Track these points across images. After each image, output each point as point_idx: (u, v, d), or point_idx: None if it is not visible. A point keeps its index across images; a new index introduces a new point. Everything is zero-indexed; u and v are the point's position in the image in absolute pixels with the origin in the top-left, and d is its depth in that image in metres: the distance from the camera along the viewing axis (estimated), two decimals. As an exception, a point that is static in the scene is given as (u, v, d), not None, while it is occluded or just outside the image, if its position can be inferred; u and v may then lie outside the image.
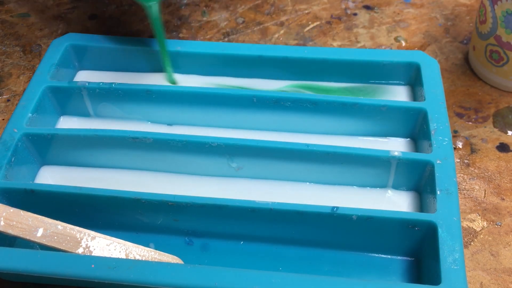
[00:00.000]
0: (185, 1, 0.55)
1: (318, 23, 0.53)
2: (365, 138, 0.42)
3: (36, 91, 0.42)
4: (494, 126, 0.44)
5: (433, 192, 0.36)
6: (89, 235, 0.34)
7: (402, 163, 0.38)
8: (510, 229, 0.38)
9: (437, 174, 0.36)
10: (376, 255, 0.37)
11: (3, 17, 0.55)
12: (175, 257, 0.36)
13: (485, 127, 0.44)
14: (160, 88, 0.42)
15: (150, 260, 0.35)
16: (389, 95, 0.44)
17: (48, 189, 0.37)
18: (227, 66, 0.45)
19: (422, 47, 0.50)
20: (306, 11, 0.54)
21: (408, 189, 0.39)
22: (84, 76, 0.46)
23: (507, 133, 0.44)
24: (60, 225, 0.34)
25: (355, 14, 0.53)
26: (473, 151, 0.43)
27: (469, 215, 0.39)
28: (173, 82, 0.45)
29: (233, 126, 0.43)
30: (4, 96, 0.48)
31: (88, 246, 0.34)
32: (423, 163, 0.37)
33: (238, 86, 0.45)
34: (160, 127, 0.44)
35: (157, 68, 0.46)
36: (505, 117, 0.45)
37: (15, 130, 0.40)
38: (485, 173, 0.41)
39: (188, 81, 0.45)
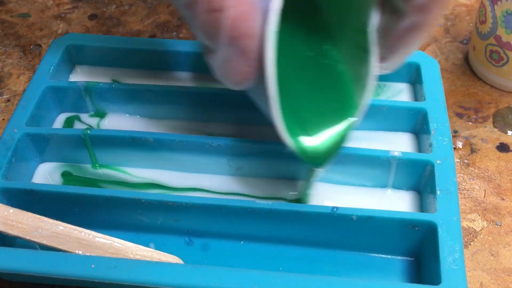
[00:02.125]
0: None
1: (318, 23, 0.53)
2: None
3: (36, 91, 0.42)
4: (494, 126, 0.44)
5: (433, 192, 0.36)
6: (89, 235, 0.34)
7: (402, 163, 0.38)
8: (510, 229, 0.38)
9: (437, 174, 0.36)
10: (376, 255, 0.37)
11: (3, 17, 0.55)
12: (175, 257, 0.36)
13: (485, 127, 0.44)
14: (160, 87, 0.42)
15: (150, 260, 0.35)
16: (396, 91, 0.44)
17: (48, 189, 0.37)
18: None
19: (422, 47, 0.50)
20: (306, 11, 0.54)
21: (408, 189, 0.39)
22: (84, 76, 0.46)
23: (507, 133, 0.44)
24: (61, 225, 0.34)
25: (355, 14, 0.53)
26: (473, 151, 0.43)
27: (469, 215, 0.39)
28: (305, 202, 0.39)
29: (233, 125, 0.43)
30: (4, 96, 0.48)
31: (88, 246, 0.34)
32: (423, 163, 0.37)
33: None
34: (160, 126, 0.43)
35: (157, 67, 0.46)
36: (505, 117, 0.45)
37: (15, 130, 0.40)
38: (485, 173, 0.41)
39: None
